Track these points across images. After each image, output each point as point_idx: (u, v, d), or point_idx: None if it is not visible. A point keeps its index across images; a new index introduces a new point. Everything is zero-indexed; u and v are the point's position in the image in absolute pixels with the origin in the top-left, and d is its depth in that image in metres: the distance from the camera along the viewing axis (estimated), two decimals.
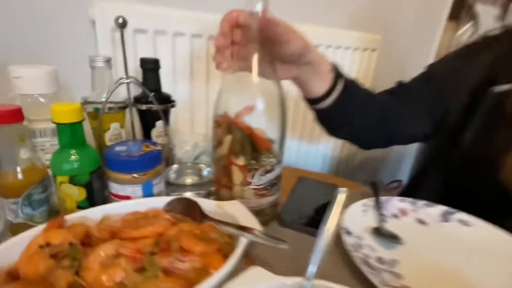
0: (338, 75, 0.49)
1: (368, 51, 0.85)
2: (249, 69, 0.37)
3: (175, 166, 0.50)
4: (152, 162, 0.41)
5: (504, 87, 0.51)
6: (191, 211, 0.39)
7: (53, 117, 0.35)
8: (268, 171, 0.41)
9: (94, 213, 0.36)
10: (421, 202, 0.52)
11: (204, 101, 0.66)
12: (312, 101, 0.51)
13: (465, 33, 1.16)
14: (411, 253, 0.42)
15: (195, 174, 0.52)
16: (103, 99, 0.42)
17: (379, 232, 0.45)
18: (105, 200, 0.42)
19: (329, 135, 0.59)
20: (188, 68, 0.61)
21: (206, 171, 0.52)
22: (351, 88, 0.51)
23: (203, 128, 0.67)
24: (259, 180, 0.41)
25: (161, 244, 0.32)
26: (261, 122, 0.39)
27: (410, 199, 0.53)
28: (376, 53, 0.87)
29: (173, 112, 0.62)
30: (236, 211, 0.38)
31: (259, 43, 0.37)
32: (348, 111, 0.52)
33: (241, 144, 0.40)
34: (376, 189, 0.54)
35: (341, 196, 0.35)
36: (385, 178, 1.31)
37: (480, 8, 1.09)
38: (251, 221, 0.36)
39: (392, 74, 1.07)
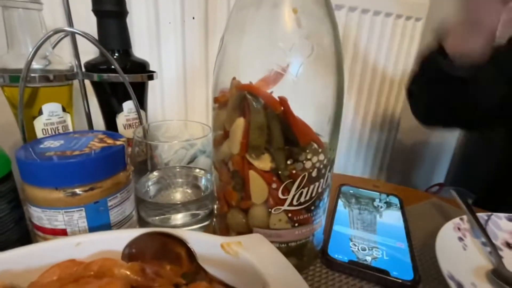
0: None
1: (412, 20, 0.67)
2: None
3: (155, 174, 0.32)
4: (106, 166, 0.23)
5: None
6: (172, 257, 0.21)
7: None
8: (314, 180, 0.23)
9: None
10: None
11: (204, 76, 0.47)
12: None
13: None
14: None
15: (188, 185, 0.34)
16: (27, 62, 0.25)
17: (504, 279, 0.26)
18: (26, 237, 0.24)
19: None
20: (180, 31, 0.43)
21: (204, 180, 0.34)
22: None
23: (203, 116, 0.49)
24: (298, 196, 0.23)
25: None
26: (303, 90, 0.21)
27: None
28: (421, 23, 0.68)
29: (158, 93, 0.45)
30: (260, 257, 0.20)
31: None
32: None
33: (265, 132, 0.21)
34: (466, 201, 0.36)
35: None
36: (420, 181, 1.12)
37: None
38: (290, 279, 0.18)
39: None
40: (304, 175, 0.22)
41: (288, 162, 0.22)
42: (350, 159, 0.73)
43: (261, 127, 0.21)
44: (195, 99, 0.48)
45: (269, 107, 0.21)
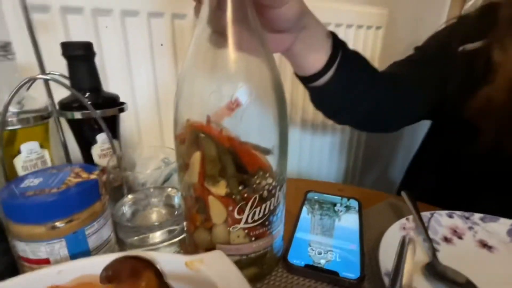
0: (337, 43, 0.39)
1: (373, 29, 0.71)
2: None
3: (130, 197, 0.35)
4: (82, 199, 0.26)
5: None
6: (144, 276, 0.24)
7: None
8: (265, 199, 0.27)
9: None
10: (477, 216, 0.38)
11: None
12: (307, 79, 0.41)
13: (473, 6, 1.03)
14: None
15: (163, 205, 0.37)
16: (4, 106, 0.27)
17: (436, 272, 0.30)
18: (13, 267, 0.27)
19: (329, 118, 0.51)
20: (149, 58, 0.46)
21: (177, 198, 0.37)
22: (353, 60, 0.42)
23: None
24: (252, 214, 0.26)
25: None
26: (248, 125, 0.24)
27: (460, 213, 0.39)
28: (381, 31, 0.73)
29: (133, 118, 0.48)
30: (218, 272, 0.23)
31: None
32: (350, 88, 0.42)
33: (218, 164, 0.25)
34: (413, 202, 0.40)
35: (411, 249, 0.26)
36: (390, 184, 1.16)
37: None
38: None
39: (400, 54, 0.93)
40: (255, 197, 0.26)
41: (240, 187, 0.25)
42: (323, 164, 0.77)
43: (214, 160, 0.25)
44: (170, 121, 0.51)
45: (219, 142, 0.24)
